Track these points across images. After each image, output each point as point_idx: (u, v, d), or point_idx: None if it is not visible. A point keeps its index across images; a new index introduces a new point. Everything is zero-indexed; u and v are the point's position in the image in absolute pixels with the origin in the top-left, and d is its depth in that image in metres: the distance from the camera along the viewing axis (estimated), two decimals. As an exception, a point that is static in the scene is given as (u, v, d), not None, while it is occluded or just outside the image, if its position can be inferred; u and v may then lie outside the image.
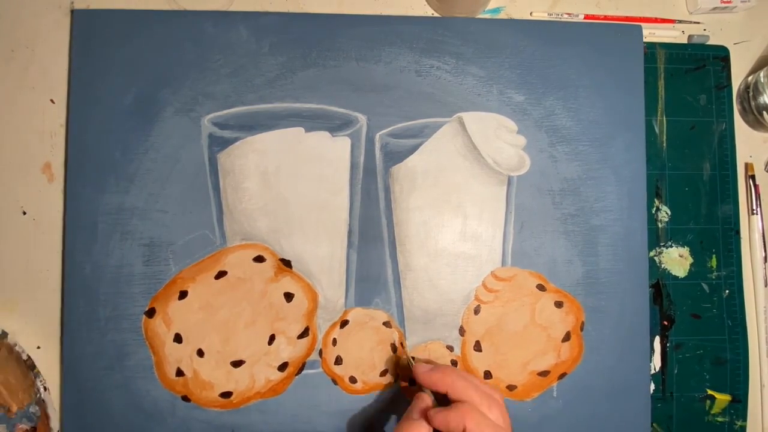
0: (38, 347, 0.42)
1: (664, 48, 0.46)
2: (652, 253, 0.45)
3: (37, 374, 0.41)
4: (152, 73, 0.42)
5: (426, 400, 0.36)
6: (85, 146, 0.42)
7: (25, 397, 0.41)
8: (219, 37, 0.43)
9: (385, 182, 0.43)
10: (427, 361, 0.41)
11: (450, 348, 0.43)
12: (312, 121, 0.43)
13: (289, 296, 0.42)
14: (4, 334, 0.41)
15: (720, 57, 0.46)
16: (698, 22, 0.47)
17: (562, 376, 0.43)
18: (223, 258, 0.42)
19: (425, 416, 0.34)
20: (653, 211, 0.45)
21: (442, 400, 0.36)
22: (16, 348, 0.41)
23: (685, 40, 0.47)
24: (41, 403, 0.41)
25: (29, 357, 0.41)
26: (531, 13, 0.46)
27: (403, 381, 0.42)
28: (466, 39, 0.44)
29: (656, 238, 0.45)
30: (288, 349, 0.42)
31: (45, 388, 0.41)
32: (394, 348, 0.42)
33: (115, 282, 0.41)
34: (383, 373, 0.42)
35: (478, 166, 0.43)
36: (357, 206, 0.43)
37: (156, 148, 0.42)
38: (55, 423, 0.41)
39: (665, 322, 0.45)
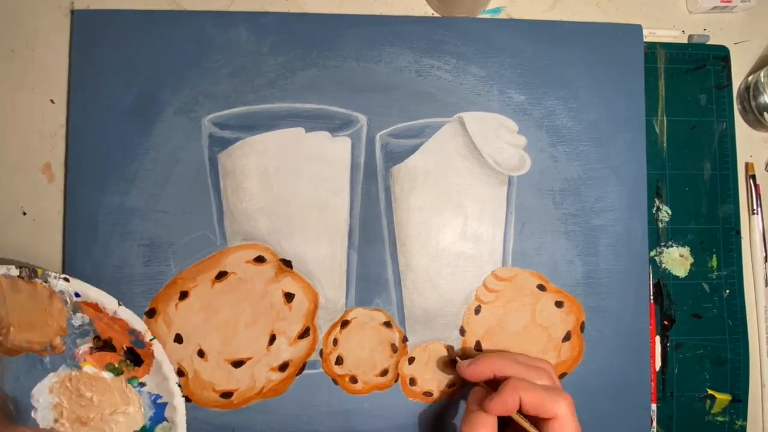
0: (38, 348, 0.42)
1: (664, 48, 0.46)
2: (652, 253, 0.45)
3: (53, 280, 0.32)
4: (152, 73, 0.42)
5: (479, 392, 0.37)
6: (85, 146, 0.42)
7: (59, 319, 0.32)
8: (219, 37, 0.43)
9: (385, 182, 0.43)
10: (468, 355, 0.42)
11: (450, 348, 0.43)
12: (312, 121, 0.43)
13: (289, 296, 0.42)
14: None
15: (720, 57, 0.46)
16: (698, 22, 0.47)
17: (562, 376, 0.43)
18: (223, 258, 0.42)
19: (483, 408, 0.35)
20: (654, 211, 0.45)
21: (494, 384, 0.36)
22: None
23: (685, 40, 0.47)
24: (82, 308, 0.31)
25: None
26: (531, 14, 0.46)
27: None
28: (466, 39, 0.44)
29: (657, 238, 0.45)
30: (288, 350, 0.42)
31: (77, 294, 0.31)
32: (450, 354, 0.42)
33: (115, 282, 0.41)
34: (383, 373, 0.42)
35: (478, 166, 0.43)
36: (357, 206, 0.43)
37: (156, 148, 0.42)
38: (112, 304, 0.32)
39: (665, 322, 0.45)
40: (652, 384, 0.43)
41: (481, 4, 0.45)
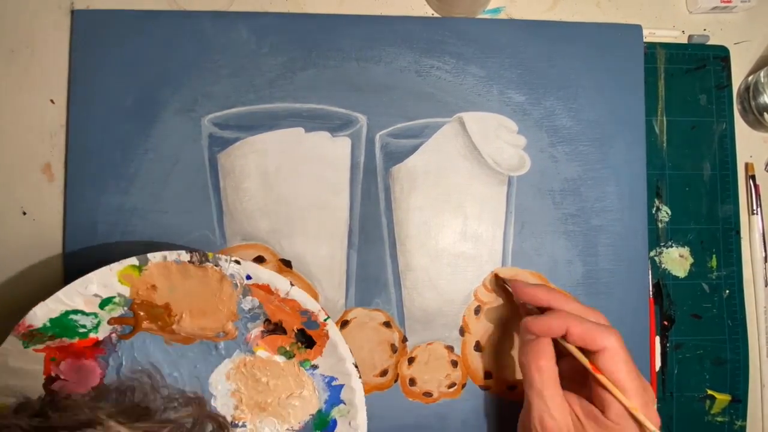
0: (38, 347, 0.42)
1: (664, 48, 0.46)
2: (652, 253, 0.45)
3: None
4: (152, 73, 0.42)
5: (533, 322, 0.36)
6: (85, 146, 0.42)
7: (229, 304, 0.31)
8: (219, 37, 0.43)
9: (385, 182, 0.43)
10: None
11: (450, 348, 0.43)
12: (312, 121, 0.43)
13: (289, 296, 0.42)
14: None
15: (720, 57, 0.46)
16: (698, 22, 0.47)
17: (562, 376, 0.43)
18: (223, 258, 0.42)
19: (527, 324, 0.35)
20: (653, 211, 0.45)
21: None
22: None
23: (685, 40, 0.47)
24: (252, 291, 0.30)
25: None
26: (531, 14, 0.46)
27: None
28: (466, 39, 0.44)
29: (656, 238, 0.45)
30: (288, 349, 0.42)
31: (249, 276, 0.30)
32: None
33: (115, 282, 0.41)
34: (383, 373, 0.42)
35: (478, 166, 0.43)
36: (357, 206, 0.43)
37: (156, 148, 0.42)
38: (285, 284, 0.30)
39: (665, 322, 0.45)
40: (652, 384, 0.43)
41: (481, 4, 0.45)
